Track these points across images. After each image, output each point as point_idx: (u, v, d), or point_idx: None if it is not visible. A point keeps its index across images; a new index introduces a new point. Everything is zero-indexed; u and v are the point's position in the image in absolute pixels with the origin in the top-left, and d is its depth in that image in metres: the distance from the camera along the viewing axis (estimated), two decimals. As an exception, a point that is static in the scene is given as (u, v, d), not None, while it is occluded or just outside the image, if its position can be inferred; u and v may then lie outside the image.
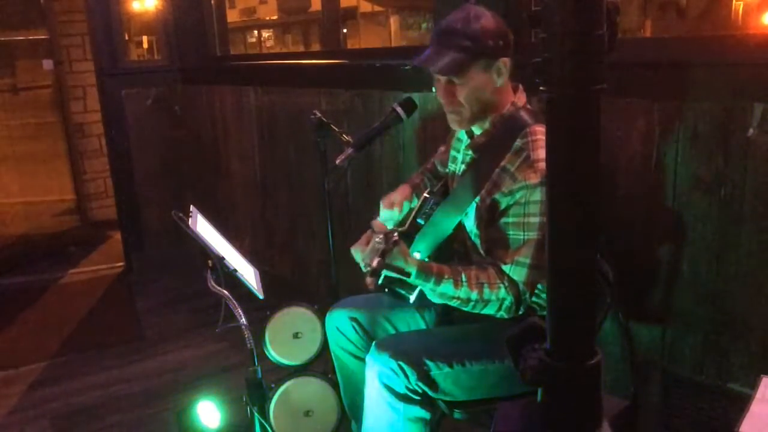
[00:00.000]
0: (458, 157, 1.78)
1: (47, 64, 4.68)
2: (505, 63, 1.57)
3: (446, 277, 1.54)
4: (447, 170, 1.87)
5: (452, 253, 1.74)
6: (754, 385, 1.16)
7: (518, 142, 1.55)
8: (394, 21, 15.76)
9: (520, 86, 1.67)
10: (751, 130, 1.53)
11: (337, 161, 1.96)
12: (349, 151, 1.94)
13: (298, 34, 19.33)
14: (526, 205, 1.51)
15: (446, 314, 1.80)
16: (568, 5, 0.77)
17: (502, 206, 1.54)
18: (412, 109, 1.93)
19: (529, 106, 1.65)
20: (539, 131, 1.55)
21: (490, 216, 1.58)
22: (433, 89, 1.66)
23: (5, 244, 4.44)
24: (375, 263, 1.45)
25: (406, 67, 2.44)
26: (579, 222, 0.84)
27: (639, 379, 1.84)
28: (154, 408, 2.61)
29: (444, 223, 1.66)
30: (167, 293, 3.83)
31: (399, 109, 1.92)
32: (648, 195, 1.77)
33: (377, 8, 16.41)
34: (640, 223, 1.80)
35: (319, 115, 2.17)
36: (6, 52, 4.65)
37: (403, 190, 1.92)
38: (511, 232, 1.53)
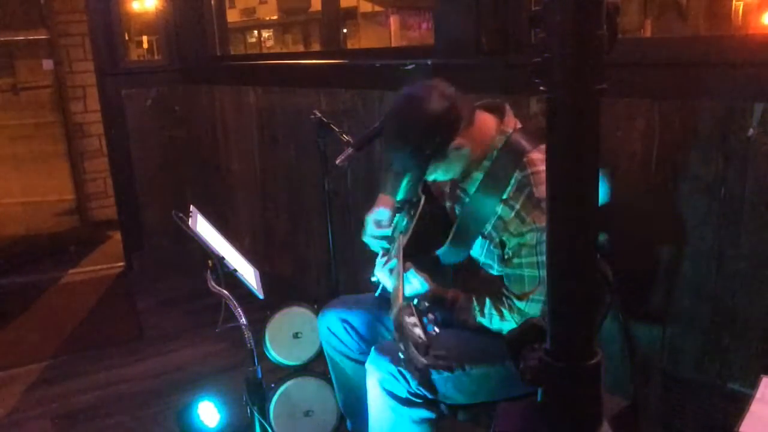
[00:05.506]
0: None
1: (47, 64, 4.68)
2: (460, 143, 1.52)
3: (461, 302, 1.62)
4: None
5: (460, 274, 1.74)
6: (754, 385, 1.16)
7: (518, 174, 1.52)
8: (394, 21, 15.74)
9: (507, 107, 1.62)
10: (751, 130, 1.53)
11: (337, 161, 1.96)
12: (349, 151, 1.94)
13: (298, 34, 19.33)
14: (538, 245, 1.51)
15: (445, 318, 1.79)
16: (568, 5, 0.77)
17: (514, 246, 1.54)
18: (412, 109, 1.93)
19: (519, 125, 1.61)
20: (538, 160, 1.51)
21: (501, 252, 1.58)
22: None
23: (5, 244, 4.44)
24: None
25: (407, 67, 2.44)
26: (579, 222, 0.85)
27: (639, 379, 1.84)
28: (154, 408, 2.61)
29: (452, 257, 1.67)
30: (167, 293, 3.83)
31: (399, 109, 1.91)
32: (648, 195, 1.77)
33: (377, 8, 16.40)
34: (640, 223, 1.80)
35: (319, 115, 2.17)
36: (6, 52, 4.65)
37: (385, 205, 1.88)
38: (527, 271, 1.54)
